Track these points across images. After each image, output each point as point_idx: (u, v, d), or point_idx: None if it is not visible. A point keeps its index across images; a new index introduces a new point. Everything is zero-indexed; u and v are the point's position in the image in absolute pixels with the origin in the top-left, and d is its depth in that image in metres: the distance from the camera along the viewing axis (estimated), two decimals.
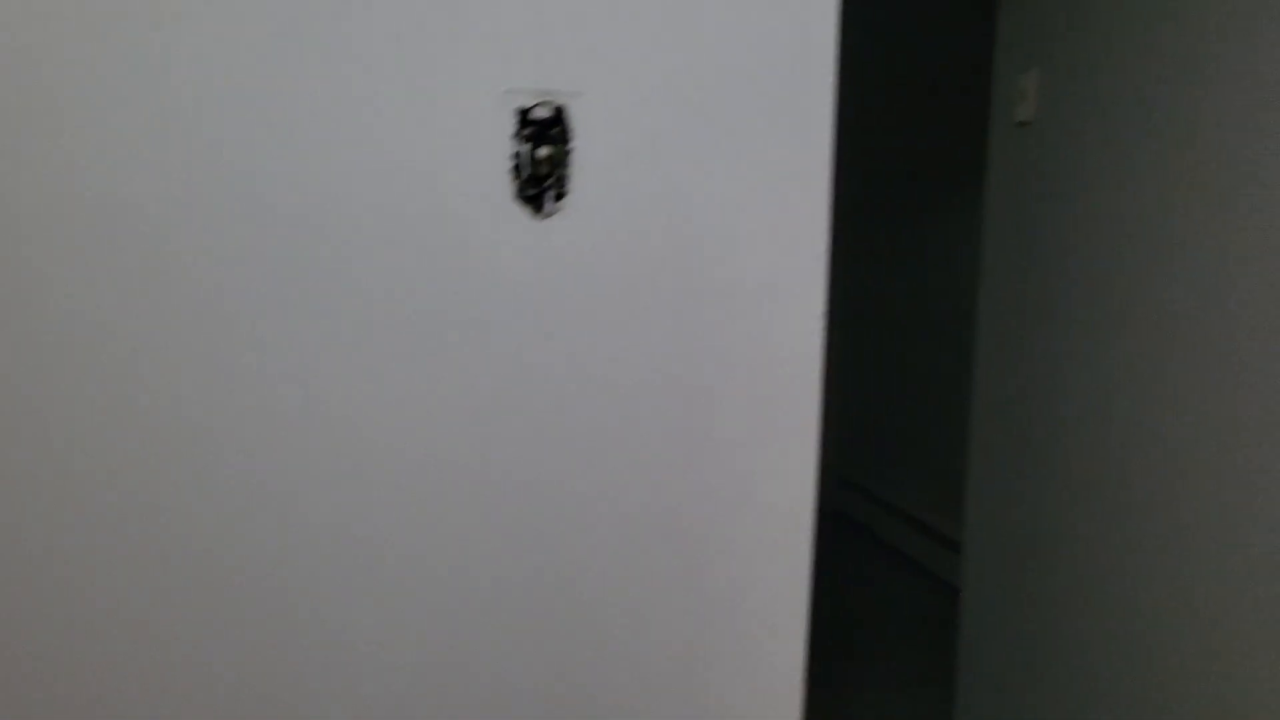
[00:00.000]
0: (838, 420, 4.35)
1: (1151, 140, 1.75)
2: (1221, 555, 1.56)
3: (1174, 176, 1.69)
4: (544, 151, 1.11)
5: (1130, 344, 1.79)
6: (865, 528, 4.00)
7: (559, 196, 1.12)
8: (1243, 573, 1.51)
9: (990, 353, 2.30)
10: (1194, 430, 1.63)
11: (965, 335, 3.31)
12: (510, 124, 1.10)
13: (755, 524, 1.19)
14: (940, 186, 3.53)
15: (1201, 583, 1.60)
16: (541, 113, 1.11)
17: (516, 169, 1.11)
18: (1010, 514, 2.20)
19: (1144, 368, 1.76)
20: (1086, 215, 1.93)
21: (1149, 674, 1.73)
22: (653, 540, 1.18)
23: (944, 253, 3.49)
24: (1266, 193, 1.48)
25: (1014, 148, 2.22)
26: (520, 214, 1.11)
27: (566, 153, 1.12)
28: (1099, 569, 1.87)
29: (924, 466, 3.63)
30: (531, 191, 1.11)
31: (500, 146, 1.11)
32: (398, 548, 1.13)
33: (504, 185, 1.11)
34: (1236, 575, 1.53)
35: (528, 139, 1.11)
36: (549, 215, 1.12)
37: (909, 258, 3.76)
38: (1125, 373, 1.81)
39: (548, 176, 1.11)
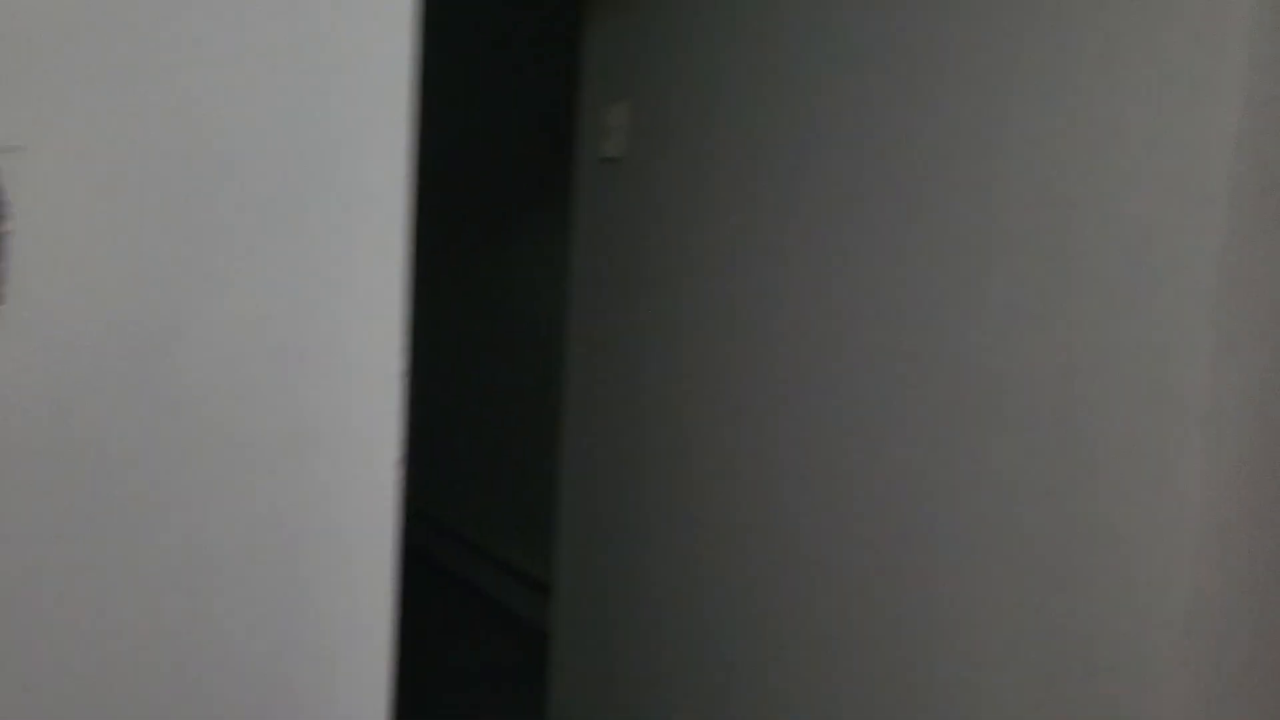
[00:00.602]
0: (414, 448, 4.07)
1: (736, 177, 1.72)
2: (810, 594, 1.57)
3: (757, 212, 1.67)
4: None
5: (714, 383, 1.77)
6: (441, 565, 3.76)
7: None
8: (840, 611, 1.52)
9: (578, 389, 2.18)
10: (775, 464, 1.63)
11: (558, 369, 3.18)
12: None
13: (326, 592, 0.88)
14: (529, 210, 3.36)
15: (790, 621, 1.61)
16: None
17: None
18: (601, 555, 2.10)
19: (727, 405, 1.74)
20: (673, 253, 1.87)
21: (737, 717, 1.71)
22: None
23: (531, 282, 3.33)
24: (850, 227, 1.50)
25: (601, 184, 2.09)
26: None
27: (0, 237, 0.74)
28: (689, 612, 1.84)
29: (511, 503, 3.47)
30: None
31: None
32: None
33: None
34: (827, 614, 1.54)
35: None
36: None
37: (494, 284, 3.56)
38: (708, 409, 1.79)
39: None
